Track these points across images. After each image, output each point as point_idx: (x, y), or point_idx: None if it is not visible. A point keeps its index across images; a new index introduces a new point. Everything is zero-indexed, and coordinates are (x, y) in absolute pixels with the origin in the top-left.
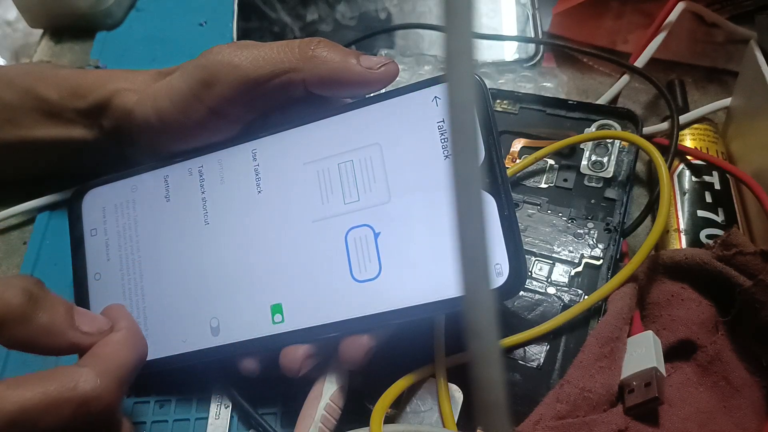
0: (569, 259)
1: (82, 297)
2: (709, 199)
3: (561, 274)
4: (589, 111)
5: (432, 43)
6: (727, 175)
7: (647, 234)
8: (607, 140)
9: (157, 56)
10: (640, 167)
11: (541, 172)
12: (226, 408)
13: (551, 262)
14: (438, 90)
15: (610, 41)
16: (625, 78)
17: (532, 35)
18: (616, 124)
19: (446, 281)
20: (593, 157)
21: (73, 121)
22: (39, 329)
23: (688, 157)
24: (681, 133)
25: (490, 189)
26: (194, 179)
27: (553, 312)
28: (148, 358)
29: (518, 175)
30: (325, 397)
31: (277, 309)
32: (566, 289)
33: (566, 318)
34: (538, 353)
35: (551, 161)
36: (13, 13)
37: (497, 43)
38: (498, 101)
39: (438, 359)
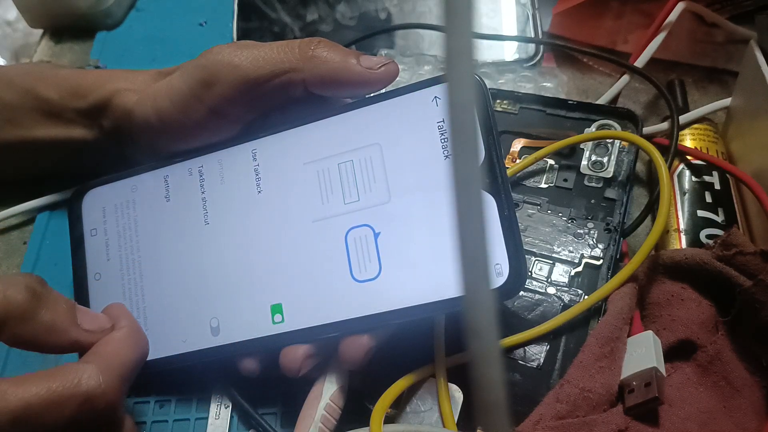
0: (569, 259)
1: (82, 297)
2: (709, 199)
3: (561, 274)
4: (589, 111)
5: (432, 43)
6: (727, 175)
7: (647, 234)
8: (607, 140)
9: (157, 56)
10: (640, 167)
11: (541, 172)
12: (226, 408)
13: (551, 262)
14: (438, 90)
15: (610, 41)
16: (625, 78)
17: (532, 35)
18: (616, 124)
19: (446, 281)
20: (593, 157)
21: (73, 121)
22: (42, 327)
23: (688, 157)
24: (681, 133)
25: (490, 189)
26: (194, 179)
27: (553, 312)
28: (148, 359)
29: (518, 175)
30: (325, 397)
31: (277, 309)
32: (566, 289)
33: (566, 318)
34: (538, 353)
35: (551, 161)
36: (13, 13)
37: (497, 43)
38: (498, 101)
39: (438, 359)
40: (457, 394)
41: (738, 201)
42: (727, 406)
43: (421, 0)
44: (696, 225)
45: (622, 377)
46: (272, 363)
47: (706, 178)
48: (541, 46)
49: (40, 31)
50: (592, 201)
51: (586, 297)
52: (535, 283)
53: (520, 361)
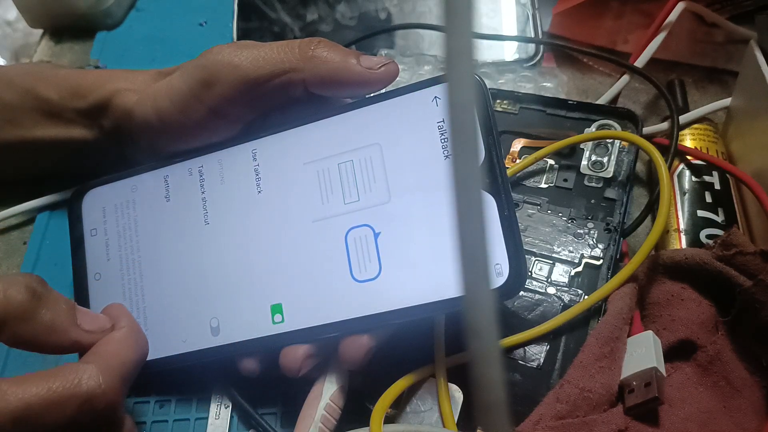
0: (569, 259)
1: (82, 297)
2: (709, 199)
3: (561, 274)
4: (589, 111)
5: (432, 43)
6: (727, 175)
7: (647, 234)
8: (607, 140)
9: (157, 56)
10: (640, 167)
11: (541, 172)
12: (226, 408)
13: (551, 262)
14: (438, 90)
15: (610, 41)
16: (625, 78)
17: (532, 35)
18: (616, 124)
19: (446, 281)
20: (593, 157)
21: (73, 121)
22: (42, 327)
23: (688, 157)
24: (681, 133)
25: (490, 189)
26: (194, 179)
27: (553, 312)
28: (148, 359)
29: (518, 175)
30: (325, 397)
31: (277, 309)
32: (566, 289)
33: (566, 318)
34: (538, 353)
35: (551, 161)
36: (13, 13)
37: (497, 43)
38: (498, 101)
39: (438, 359)
40: (457, 394)
41: (738, 201)
42: (727, 406)
43: (421, 0)
44: (696, 225)
45: (622, 377)
46: (272, 363)
47: (706, 178)
48: (541, 46)
49: (40, 31)
50: (592, 201)
51: (586, 297)
52: (535, 283)
53: (520, 361)
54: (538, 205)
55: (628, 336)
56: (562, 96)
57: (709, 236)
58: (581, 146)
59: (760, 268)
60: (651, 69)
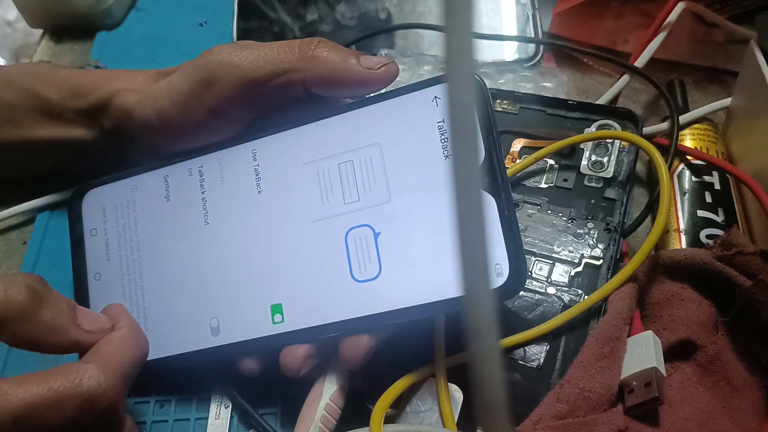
0: (569, 259)
1: (82, 297)
2: (709, 199)
3: (561, 274)
4: (589, 111)
5: (432, 43)
6: (727, 175)
7: (647, 234)
8: (607, 140)
9: (157, 56)
10: (640, 167)
11: (541, 172)
12: (226, 408)
13: (551, 262)
14: (438, 90)
15: (610, 41)
16: (625, 78)
17: (532, 35)
18: (616, 124)
19: (446, 281)
20: (593, 157)
21: (73, 121)
22: (42, 327)
23: (688, 157)
24: (681, 133)
25: (490, 189)
26: (194, 179)
27: (553, 312)
28: (148, 359)
29: (518, 175)
30: (325, 397)
31: (277, 309)
32: (566, 289)
33: (566, 318)
34: (538, 353)
35: (551, 161)
36: (13, 13)
37: (497, 43)
38: (498, 101)
39: (438, 359)
40: (457, 394)
41: (738, 201)
42: (727, 406)
43: (421, 0)
44: (696, 225)
45: (622, 377)
46: (272, 363)
47: (706, 178)
48: (541, 46)
49: (40, 31)
50: (592, 201)
51: (586, 297)
52: (535, 283)
53: (520, 361)
54: (538, 205)
55: (628, 336)
56: (562, 96)
57: (709, 236)
58: (581, 146)
59: (760, 268)
60: (651, 69)
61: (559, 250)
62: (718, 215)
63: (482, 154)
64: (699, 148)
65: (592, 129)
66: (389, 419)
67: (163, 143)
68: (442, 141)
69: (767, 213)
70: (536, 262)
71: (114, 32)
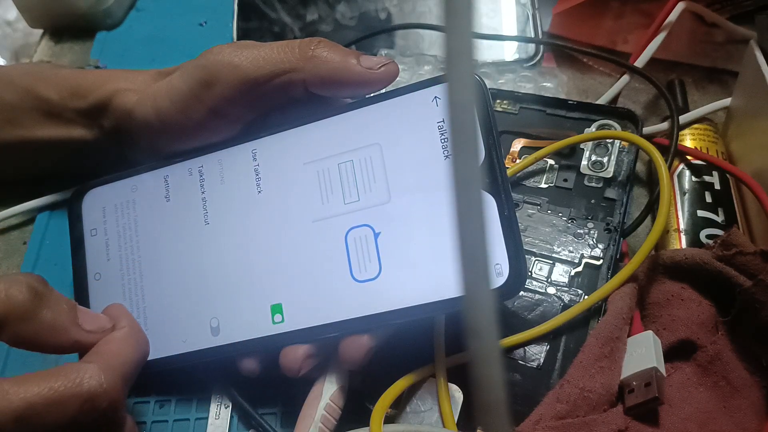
0: (569, 259)
1: (82, 297)
2: (709, 199)
3: (561, 274)
4: (589, 111)
5: (432, 43)
6: (727, 175)
7: (647, 234)
8: (607, 140)
9: (157, 56)
10: (640, 167)
11: (541, 172)
12: (226, 408)
13: (551, 262)
14: (438, 90)
15: (610, 41)
16: (625, 78)
17: (532, 35)
18: (616, 124)
19: (446, 281)
20: (593, 157)
21: (73, 121)
22: (43, 326)
23: (688, 157)
24: (681, 133)
25: (490, 189)
26: (194, 179)
27: (553, 312)
28: (148, 358)
29: (518, 175)
30: (325, 397)
31: (277, 309)
32: (566, 289)
33: (566, 318)
34: (538, 353)
35: (551, 161)
36: (13, 13)
37: (497, 43)
38: (498, 101)
39: (438, 359)
40: (457, 394)
41: (738, 201)
42: (727, 406)
43: (421, 0)
44: (696, 225)
45: (622, 377)
46: (272, 363)
47: (706, 178)
48: (541, 46)
49: (40, 31)
50: (592, 201)
51: (586, 297)
52: (535, 283)
53: (520, 361)
54: (538, 205)
55: (628, 336)
56: (562, 96)
57: (709, 236)
58: (581, 146)
59: (760, 268)
60: (651, 69)
61: (559, 250)
62: (718, 215)
63: (482, 154)
64: (699, 148)
65: (592, 129)
66: (389, 419)
67: (163, 143)
68: (442, 141)
69: (767, 213)
70: (536, 262)
71: (114, 32)
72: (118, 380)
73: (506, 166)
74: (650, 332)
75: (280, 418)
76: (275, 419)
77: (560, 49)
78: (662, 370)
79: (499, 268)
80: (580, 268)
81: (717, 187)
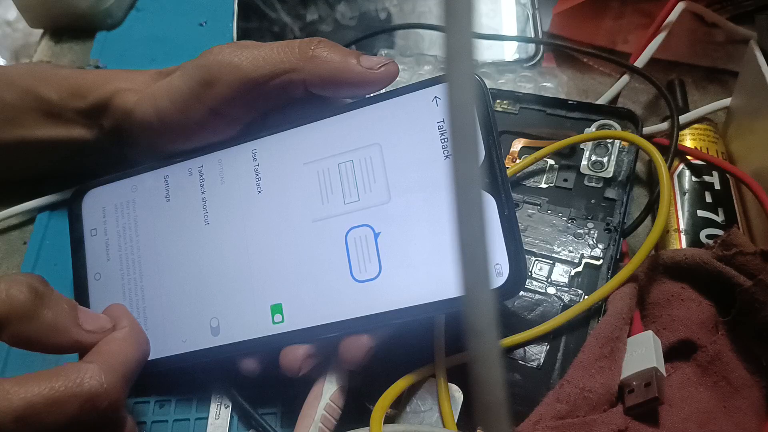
0: (569, 259)
1: (82, 297)
2: (709, 199)
3: (561, 274)
4: (589, 111)
5: (432, 43)
6: (727, 175)
7: (647, 234)
8: (607, 140)
9: (157, 56)
10: (640, 167)
11: (541, 172)
12: (226, 408)
13: (551, 262)
14: (438, 90)
15: (610, 41)
16: (625, 78)
17: (532, 35)
18: (616, 124)
19: (446, 281)
20: (593, 157)
21: (74, 121)
22: (44, 326)
23: (688, 157)
24: (681, 133)
25: (490, 189)
26: (194, 179)
27: (553, 312)
28: (148, 358)
29: (518, 175)
30: (325, 397)
31: (277, 309)
32: (566, 289)
33: (566, 318)
34: (538, 353)
35: (551, 161)
36: (13, 13)
37: (497, 43)
38: (498, 101)
39: (438, 359)
40: (457, 394)
41: (738, 201)
42: (727, 406)
43: (421, 0)
44: (696, 225)
45: (622, 377)
46: (272, 363)
47: (706, 178)
48: (541, 46)
49: (40, 31)
50: (592, 201)
51: (586, 297)
52: (535, 283)
53: (520, 361)
54: (538, 205)
55: (628, 336)
56: (562, 96)
57: (709, 236)
58: (581, 146)
59: (760, 268)
60: (651, 69)
61: (559, 250)
62: (718, 215)
63: (482, 154)
64: (699, 148)
65: (592, 129)
66: (389, 419)
67: (163, 143)
68: (442, 141)
69: (767, 213)
70: (536, 262)
71: (114, 32)
72: (119, 380)
73: (506, 166)
74: (650, 332)
75: (280, 418)
76: (275, 419)
77: (560, 49)
78: (662, 370)
79: (499, 268)
80: (580, 268)
81: (717, 187)
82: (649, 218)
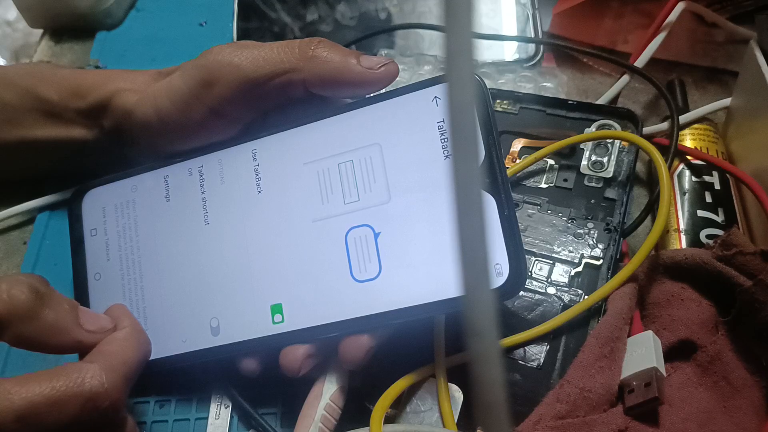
0: (569, 259)
1: (82, 297)
2: (709, 199)
3: (561, 274)
4: (589, 111)
5: (432, 43)
6: (727, 175)
7: (647, 234)
8: (607, 140)
9: (157, 56)
10: (640, 167)
11: (541, 172)
12: (226, 408)
13: (551, 262)
14: (438, 90)
15: (610, 41)
16: (625, 78)
17: (532, 35)
18: (616, 124)
19: (446, 281)
20: (593, 157)
21: (74, 121)
22: (45, 327)
23: (688, 157)
24: (681, 133)
25: (490, 189)
26: (194, 179)
27: (553, 312)
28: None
29: (518, 175)
30: (325, 397)
31: (277, 309)
32: (566, 289)
33: (566, 318)
34: (538, 353)
35: (551, 161)
36: (13, 13)
37: (497, 43)
38: (498, 101)
39: (438, 359)
40: (457, 394)
41: (738, 201)
42: (727, 406)
43: (421, 0)
44: (696, 225)
45: (622, 377)
46: (272, 363)
47: (706, 178)
48: (541, 46)
49: (40, 31)
50: (592, 201)
51: (586, 297)
52: (535, 283)
53: (520, 361)
54: (538, 205)
55: (628, 336)
56: (562, 96)
57: (709, 236)
58: (581, 146)
59: (760, 268)
60: (651, 69)
61: (559, 250)
62: (718, 215)
63: (482, 154)
64: (699, 148)
65: (592, 129)
66: (389, 419)
67: (163, 143)
68: (442, 141)
69: (767, 213)
70: (536, 262)
71: (114, 32)
72: (120, 380)
73: (506, 166)
74: (650, 332)
75: (280, 418)
76: (275, 419)
77: (560, 49)
78: (662, 370)
79: (499, 268)
80: (580, 268)
81: (717, 187)
82: (649, 218)
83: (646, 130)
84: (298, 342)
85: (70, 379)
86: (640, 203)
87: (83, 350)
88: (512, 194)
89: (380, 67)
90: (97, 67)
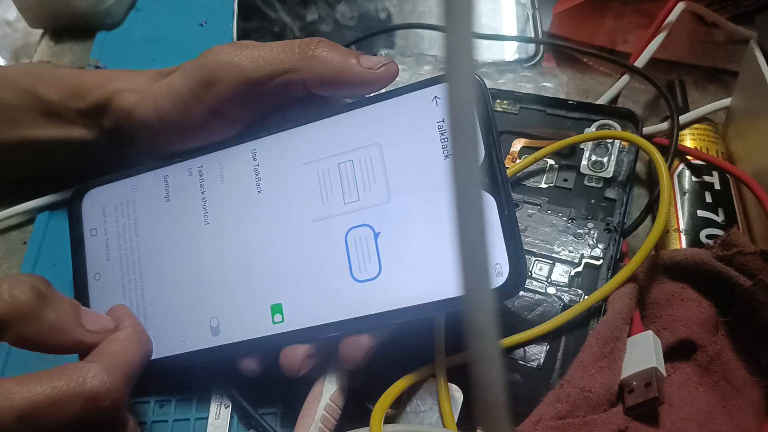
0: (569, 259)
1: (82, 297)
2: (709, 199)
3: (561, 274)
4: (589, 111)
5: (432, 43)
6: (727, 175)
7: (647, 234)
8: (607, 140)
9: (157, 56)
10: (640, 167)
11: (541, 172)
12: (226, 408)
13: (551, 262)
14: (438, 90)
15: (610, 41)
16: (625, 78)
17: (532, 35)
18: (616, 124)
19: (446, 281)
20: (593, 157)
21: (73, 122)
22: (47, 327)
23: (688, 157)
24: (681, 133)
25: (490, 189)
26: (194, 179)
27: (553, 312)
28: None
29: (518, 175)
30: (325, 397)
31: (277, 309)
32: (566, 289)
33: (566, 318)
34: (538, 353)
35: (551, 161)
36: (13, 13)
37: (497, 43)
38: (498, 101)
39: (438, 359)
40: (457, 394)
41: (738, 201)
42: (727, 406)
43: (421, 0)
44: (696, 225)
45: (622, 377)
46: (272, 363)
47: (706, 178)
48: (541, 46)
49: (40, 31)
50: (592, 201)
51: (586, 297)
52: (535, 283)
53: (520, 361)
54: (538, 205)
55: (628, 336)
56: (562, 96)
57: (709, 236)
58: (581, 146)
59: (760, 268)
60: (651, 69)
61: (559, 250)
62: (718, 215)
63: (482, 154)
64: (699, 148)
65: (592, 129)
66: (389, 419)
67: (163, 143)
68: (442, 141)
69: (767, 213)
70: (536, 262)
71: (114, 32)
72: (121, 380)
73: (506, 166)
74: (650, 332)
75: (280, 418)
76: (275, 419)
77: (560, 49)
78: (662, 370)
79: (499, 268)
80: (580, 268)
81: (717, 187)
82: (649, 218)
83: (646, 130)
84: (298, 342)
85: (71, 378)
86: (640, 203)
87: (84, 350)
88: (512, 194)
89: (380, 67)
90: (97, 67)
